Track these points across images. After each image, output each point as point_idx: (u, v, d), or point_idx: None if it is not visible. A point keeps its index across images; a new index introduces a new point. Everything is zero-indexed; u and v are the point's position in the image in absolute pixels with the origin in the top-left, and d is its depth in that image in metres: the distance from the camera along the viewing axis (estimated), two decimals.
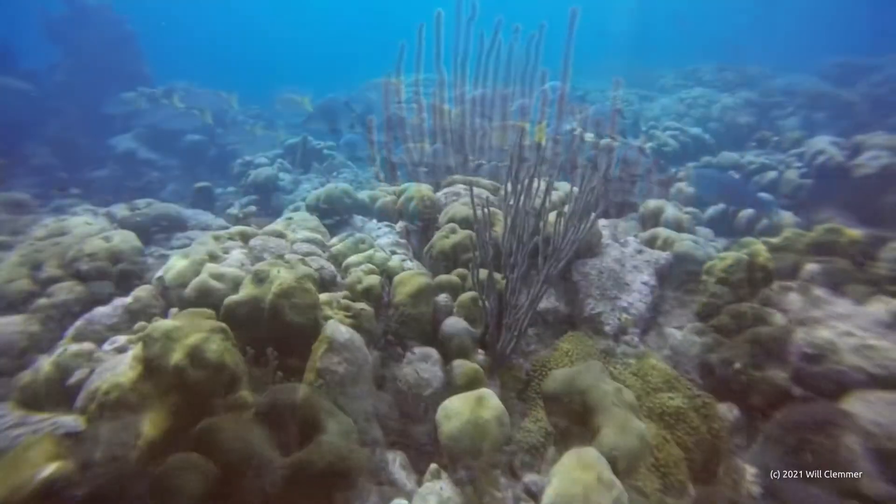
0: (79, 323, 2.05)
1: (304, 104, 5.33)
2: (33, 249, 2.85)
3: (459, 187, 3.23)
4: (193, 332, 1.53)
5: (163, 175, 8.23)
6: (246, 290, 1.84)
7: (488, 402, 1.86)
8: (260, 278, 1.86)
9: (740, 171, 5.05)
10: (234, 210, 3.58)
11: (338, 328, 1.76)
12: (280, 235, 2.44)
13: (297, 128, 7.67)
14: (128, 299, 2.13)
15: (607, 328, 2.65)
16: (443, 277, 2.47)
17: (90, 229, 3.01)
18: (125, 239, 2.89)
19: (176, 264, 2.01)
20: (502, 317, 2.42)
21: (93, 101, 8.68)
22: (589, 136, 6.10)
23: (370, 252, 2.47)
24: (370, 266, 2.35)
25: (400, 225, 3.12)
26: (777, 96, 10.45)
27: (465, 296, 2.39)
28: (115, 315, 2.08)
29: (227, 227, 3.58)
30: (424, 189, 3.12)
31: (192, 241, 3.14)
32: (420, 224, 3.06)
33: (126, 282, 2.90)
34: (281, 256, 2.21)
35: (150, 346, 1.54)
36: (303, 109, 5.84)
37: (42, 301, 2.64)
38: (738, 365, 2.28)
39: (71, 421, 1.76)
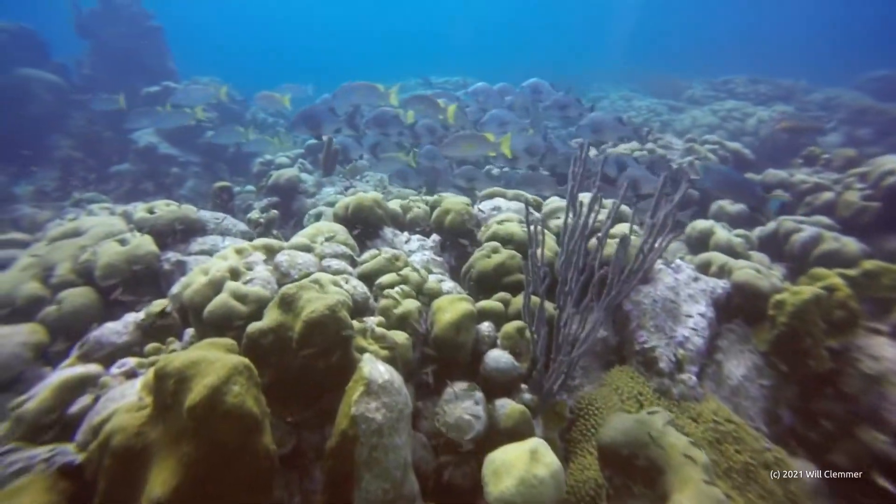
0: (85, 340, 1.85)
1: (284, 103, 5.24)
2: (47, 250, 2.68)
3: (500, 201, 2.99)
4: (212, 370, 1.31)
5: (182, 171, 8.14)
6: (271, 317, 1.62)
7: (544, 456, 1.60)
8: (287, 303, 1.63)
9: (790, 190, 4.72)
10: (254, 214, 3.38)
11: (375, 367, 1.53)
12: (307, 249, 2.22)
13: None
14: (140, 315, 1.93)
15: (662, 364, 2.38)
16: (486, 304, 2.23)
17: (106, 230, 2.83)
18: (141, 243, 2.70)
19: (194, 280, 1.80)
20: (551, 350, 2.16)
21: (115, 94, 8.64)
22: (626, 148, 5.81)
23: (405, 272, 2.24)
24: (406, 288, 2.12)
25: (434, 239, 2.88)
26: (815, 110, 10.02)
27: (511, 326, 2.14)
28: (126, 332, 1.87)
29: (247, 232, 3.39)
30: (462, 201, 2.88)
31: (211, 247, 2.96)
32: (457, 239, 2.82)
33: (140, 287, 2.72)
34: (309, 275, 1.98)
35: (163, 383, 1.32)
36: (282, 108, 5.68)
37: (51, 309, 2.46)
38: (824, 421, 1.99)
39: (70, 453, 1.55)
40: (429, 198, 3.41)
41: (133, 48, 8.66)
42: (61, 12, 8.46)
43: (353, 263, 2.39)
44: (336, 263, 2.16)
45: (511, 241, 2.56)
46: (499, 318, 2.24)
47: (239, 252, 2.00)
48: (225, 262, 1.88)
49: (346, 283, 2.03)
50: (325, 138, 4.84)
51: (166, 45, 9.07)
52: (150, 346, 1.80)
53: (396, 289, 2.11)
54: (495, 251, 2.51)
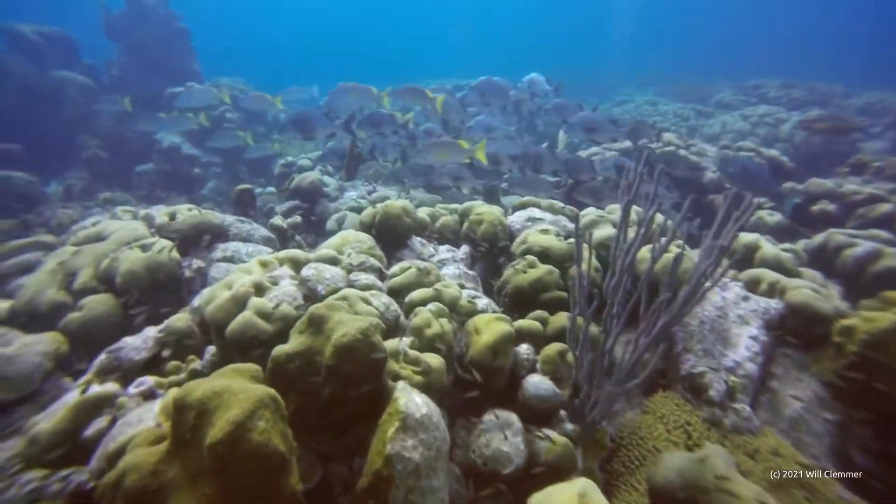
0: (103, 356, 1.76)
1: (276, 104, 5.22)
2: (70, 255, 2.62)
3: (535, 211, 2.82)
4: (236, 402, 1.18)
5: (204, 172, 8.18)
6: (299, 339, 1.49)
7: (593, 501, 1.44)
8: (316, 324, 1.50)
9: (839, 201, 4.43)
10: (277, 220, 3.28)
11: (412, 400, 1.39)
12: (334, 261, 2.10)
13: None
14: (160, 330, 1.83)
15: (712, 392, 2.18)
16: (524, 324, 2.07)
17: (128, 235, 2.76)
18: (162, 250, 2.62)
19: (217, 295, 1.68)
20: (594, 376, 1.99)
21: (142, 96, 8.75)
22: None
23: (438, 287, 2.10)
24: (439, 306, 1.97)
25: (464, 251, 2.74)
26: (855, 116, 9.57)
27: (552, 349, 1.98)
28: (145, 348, 1.77)
29: (269, 237, 3.30)
30: (495, 212, 2.73)
31: (233, 254, 2.86)
32: (488, 252, 2.67)
33: (160, 294, 2.64)
34: (337, 290, 1.86)
35: (182, 415, 1.20)
36: (274, 109, 5.60)
37: (73, 316, 2.39)
38: None
39: (84, 480, 1.45)
40: (457, 206, 3.27)
41: (159, 49, 8.75)
42: (91, 14, 8.60)
43: (382, 276, 2.26)
44: (364, 277, 2.03)
45: (548, 256, 2.40)
46: (537, 339, 2.08)
47: (264, 265, 1.88)
48: (249, 276, 1.77)
49: (376, 299, 1.90)
50: (351, 141, 4.74)
51: (191, 46, 9.14)
52: (170, 364, 1.70)
53: (429, 306, 1.97)
54: (531, 266, 2.35)
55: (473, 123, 3.94)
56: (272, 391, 1.26)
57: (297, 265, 1.96)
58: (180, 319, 1.82)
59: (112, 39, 8.65)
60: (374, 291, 1.96)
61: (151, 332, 1.83)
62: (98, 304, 2.42)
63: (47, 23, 8.38)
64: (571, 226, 2.79)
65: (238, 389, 1.23)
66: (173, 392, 1.50)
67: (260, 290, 1.74)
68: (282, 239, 3.33)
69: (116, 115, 8.37)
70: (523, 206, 2.99)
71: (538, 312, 2.23)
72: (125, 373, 1.73)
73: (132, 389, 1.61)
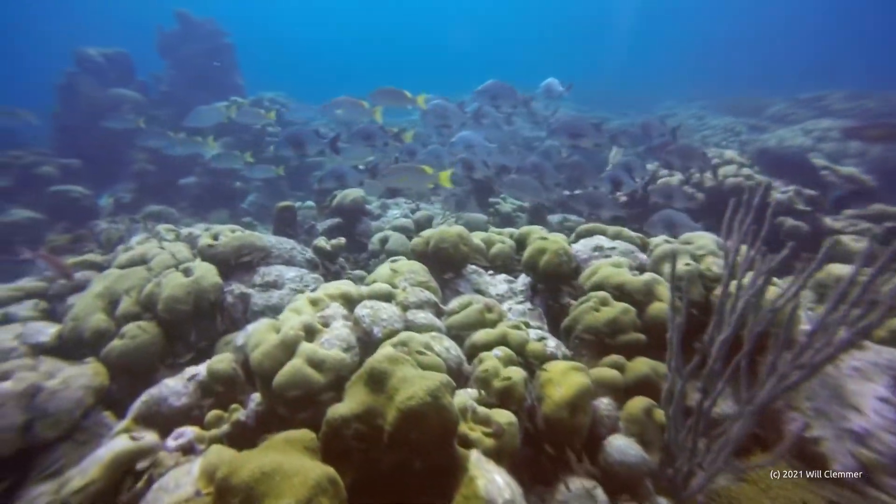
0: (142, 400, 1.60)
1: (269, 117, 5.24)
2: (114, 278, 2.54)
3: (602, 239, 2.55)
4: (289, 489, 0.98)
5: (245, 185, 8.28)
6: (357, 398, 1.28)
7: None
8: (377, 381, 1.29)
9: None
10: (321, 242, 3.14)
11: (492, 481, 1.15)
12: (388, 297, 1.90)
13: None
14: (202, 371, 1.66)
15: (837, 467, 1.83)
16: (601, 373, 1.80)
17: (170, 258, 2.66)
18: (205, 274, 2.50)
19: (263, 340, 1.50)
20: (689, 443, 1.69)
21: (188, 110, 9.02)
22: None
23: (503, 328, 1.86)
24: (507, 352, 1.73)
25: (523, 282, 2.49)
26: None
27: (636, 406, 1.70)
28: (186, 393, 1.61)
29: (312, 259, 3.15)
30: (559, 240, 2.47)
31: (276, 279, 2.72)
32: (551, 284, 2.41)
33: (203, 321, 2.52)
34: (395, 332, 1.65)
35: (226, 500, 1.00)
36: (266, 122, 5.58)
37: (115, 344, 2.28)
38: None
39: None
40: (512, 230, 3.03)
41: (206, 65, 9.00)
42: (147, 34, 8.97)
43: (439, 312, 2.05)
44: (423, 317, 1.82)
45: (623, 292, 2.12)
46: (616, 391, 1.80)
47: (314, 304, 1.70)
48: (298, 316, 1.58)
49: (437, 342, 1.67)
50: (394, 158, 4.61)
51: (235, 60, 9.37)
52: (211, 414, 1.53)
53: (495, 351, 1.73)
54: (604, 303, 2.07)
55: (455, 139, 3.86)
56: (330, 472, 1.05)
57: (349, 302, 1.77)
58: (223, 361, 1.66)
59: (164, 56, 8.97)
60: (434, 333, 1.74)
61: (192, 371, 1.67)
62: (140, 331, 2.31)
63: (113, 43, 8.80)
64: (643, 256, 2.50)
65: (291, 470, 1.02)
66: (215, 452, 1.32)
67: (310, 333, 1.55)
68: (325, 261, 3.17)
69: (160, 130, 8.67)
70: (588, 234, 2.72)
71: (614, 358, 1.95)
72: (165, 419, 1.57)
73: (171, 442, 1.44)
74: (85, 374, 1.97)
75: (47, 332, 2.39)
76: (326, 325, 1.63)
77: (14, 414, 1.78)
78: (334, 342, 1.54)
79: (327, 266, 3.20)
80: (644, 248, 2.59)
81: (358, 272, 3.59)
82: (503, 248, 2.77)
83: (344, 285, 1.83)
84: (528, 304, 2.20)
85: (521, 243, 2.89)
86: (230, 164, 5.93)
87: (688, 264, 2.28)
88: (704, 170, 4.84)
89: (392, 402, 1.25)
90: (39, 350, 2.33)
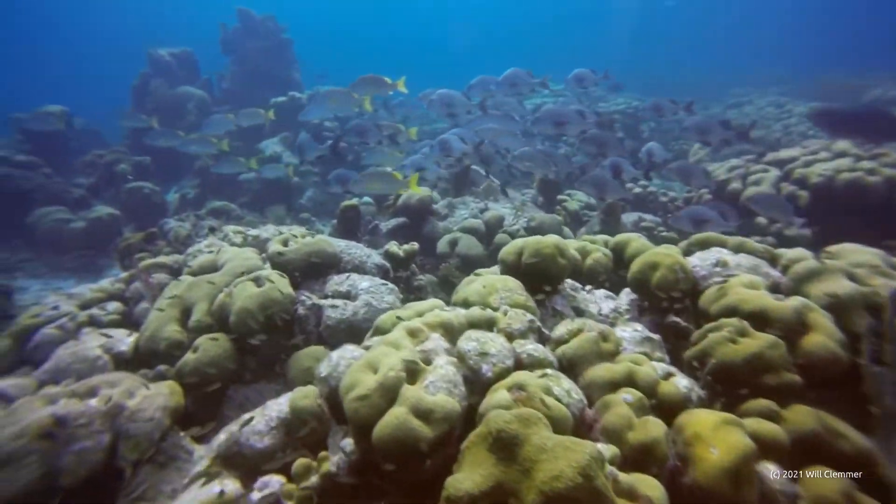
0: (223, 438, 1.44)
1: (269, 117, 5.21)
2: (186, 286, 2.46)
3: (724, 254, 2.16)
4: None
5: (302, 180, 8.32)
6: (482, 470, 1.03)
7: None
8: (506, 448, 1.03)
9: None
10: (393, 248, 2.93)
11: None
12: (489, 323, 1.63)
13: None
14: (285, 409, 1.48)
15: None
16: (760, 428, 1.45)
17: (241, 265, 2.55)
18: (277, 285, 2.36)
19: (359, 381, 1.28)
20: None
21: (248, 106, 9.20)
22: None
23: (625, 363, 1.55)
24: (638, 396, 1.43)
25: (628, 299, 2.16)
26: None
27: (831, 487, 1.33)
28: (268, 433, 1.43)
29: (382, 265, 2.95)
30: (673, 253, 2.11)
31: (348, 289, 2.54)
32: (664, 304, 2.06)
33: (273, 335, 2.38)
34: (507, 371, 1.39)
35: None
36: (266, 122, 5.53)
37: (188, 359, 2.18)
38: None
39: None
40: (606, 237, 2.68)
41: (264, 61, 9.11)
42: (211, 33, 9.21)
43: (542, 339, 1.76)
44: (532, 349, 1.54)
45: (766, 321, 1.74)
46: (778, 452, 1.44)
47: (413, 335, 1.46)
48: (397, 353, 1.35)
49: (555, 383, 1.39)
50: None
51: (294, 56, 9.42)
52: (299, 464, 1.33)
53: (624, 395, 1.43)
54: (742, 334, 1.70)
55: (436, 142, 3.81)
56: None
57: (450, 332, 1.52)
58: (307, 396, 1.47)
59: (226, 53, 9.15)
60: (548, 371, 1.46)
61: (275, 409, 1.49)
62: (212, 345, 2.20)
63: (182, 42, 9.10)
64: (775, 273, 2.08)
65: None
66: None
67: (412, 373, 1.32)
68: (397, 267, 2.97)
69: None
70: (703, 245, 2.32)
71: (764, 404, 1.59)
72: (246, 461, 1.41)
73: (256, 495, 1.27)
74: (162, 394, 1.87)
75: (127, 341, 2.34)
76: (428, 361, 1.39)
77: (102, 433, 1.69)
78: (440, 385, 1.29)
79: (399, 272, 3.00)
80: (774, 261, 2.17)
81: (427, 276, 3.37)
82: (600, 260, 2.43)
83: (445, 315, 1.58)
84: (642, 329, 1.87)
85: (617, 253, 2.55)
86: (232, 169, 5.99)
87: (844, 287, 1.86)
88: (707, 187, 4.38)
89: (531, 480, 0.99)
90: (120, 360, 2.28)
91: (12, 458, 1.57)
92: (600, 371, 1.54)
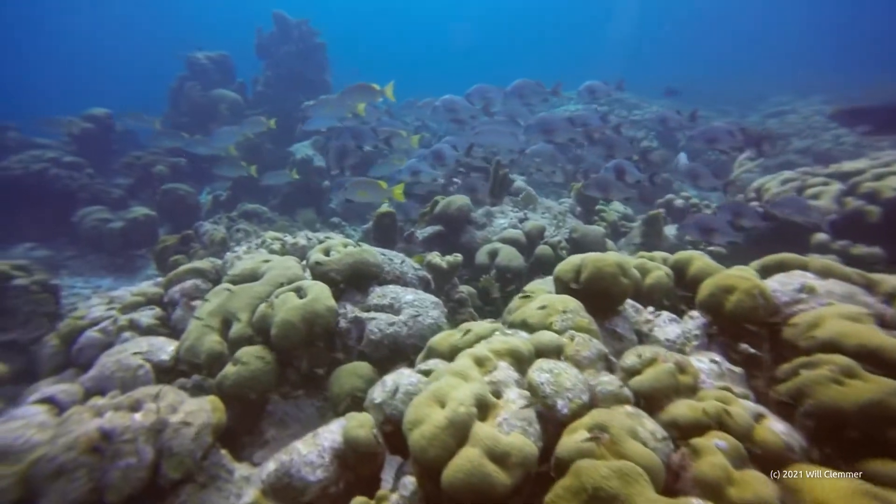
0: (272, 469, 1.35)
1: (270, 125, 5.29)
2: (226, 296, 2.40)
3: (809, 278, 1.96)
4: None
5: (332, 184, 8.33)
6: None
7: None
8: (597, 497, 0.89)
9: None
10: (436, 259, 2.82)
11: None
12: (557, 351, 1.50)
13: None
14: (338, 438, 1.38)
15: None
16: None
17: (282, 275, 2.48)
18: (318, 296, 2.27)
19: (425, 416, 1.17)
20: None
21: (281, 109, 9.29)
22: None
23: (713, 403, 1.39)
24: (734, 444, 1.26)
25: (698, 324, 1.98)
26: None
27: None
28: (322, 464, 1.33)
29: (423, 277, 2.84)
30: (749, 275, 1.93)
31: (392, 301, 2.44)
32: (739, 332, 1.88)
33: (313, 349, 2.30)
34: (583, 407, 1.25)
35: None
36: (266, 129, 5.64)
37: (229, 372, 2.11)
38: None
39: None
40: (664, 254, 2.51)
41: (298, 64, 9.20)
42: (246, 37, 9.36)
43: (610, 367, 1.62)
44: (608, 381, 1.40)
45: (880, 361, 1.54)
46: None
47: (480, 364, 1.34)
48: (466, 385, 1.23)
49: (639, 423, 1.25)
50: (496, 162, 4.24)
51: (326, 59, 9.49)
52: (356, 502, 1.22)
53: (717, 441, 1.27)
54: (850, 374, 1.51)
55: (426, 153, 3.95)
56: None
57: (519, 361, 1.39)
58: (363, 426, 1.36)
59: (261, 57, 9.28)
60: (629, 409, 1.31)
61: (328, 439, 1.39)
62: (253, 358, 2.13)
63: (220, 47, 9.30)
64: (877, 303, 1.87)
65: None
66: None
67: (483, 408, 1.19)
68: (439, 279, 2.86)
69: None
70: (780, 266, 2.12)
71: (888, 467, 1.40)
72: (297, 494, 1.30)
73: None
74: (205, 410, 1.79)
75: (168, 349, 2.29)
76: (498, 394, 1.26)
77: (146, 450, 1.63)
78: (514, 423, 1.16)
79: (440, 285, 2.89)
80: (870, 288, 1.96)
81: (466, 287, 3.25)
82: (661, 279, 2.26)
83: (512, 341, 1.45)
84: (721, 361, 1.69)
85: (678, 271, 2.37)
86: (232, 172, 6.07)
87: None
88: (717, 188, 4.26)
89: None
90: (160, 369, 2.23)
91: (63, 470, 1.52)
92: (683, 409, 1.39)
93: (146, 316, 2.80)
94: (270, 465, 1.36)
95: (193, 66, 8.97)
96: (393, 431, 1.42)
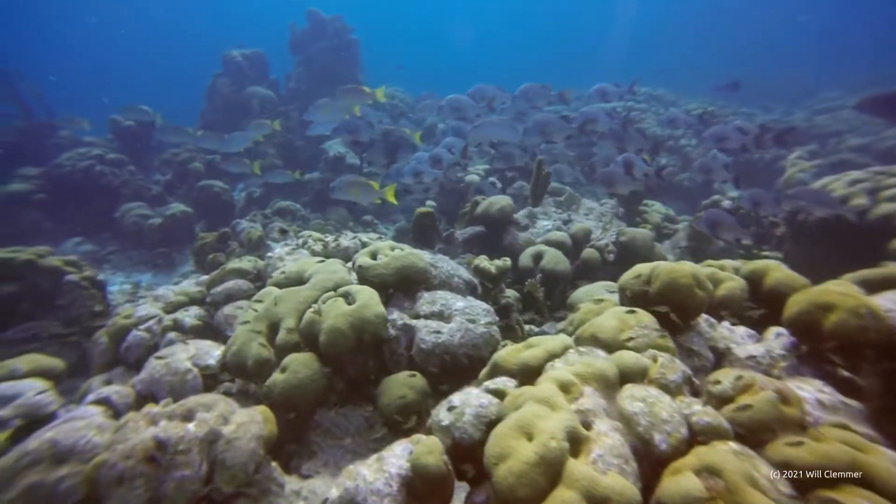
0: (337, 496, 1.25)
1: (274, 126, 5.39)
2: (272, 300, 2.34)
3: None
4: None
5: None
6: None
7: None
8: None
9: None
10: (484, 263, 2.70)
11: None
12: (642, 373, 1.35)
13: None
14: (405, 465, 1.27)
15: None
16: None
17: (329, 280, 2.40)
18: (367, 303, 2.18)
19: (511, 450, 1.05)
20: None
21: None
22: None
23: (841, 447, 1.22)
24: (877, 501, 1.10)
25: (784, 343, 1.79)
26: None
27: None
28: (390, 494, 1.23)
29: (470, 281, 2.72)
30: (853, 292, 1.73)
31: (441, 308, 2.33)
32: (836, 353, 1.68)
33: (360, 357, 2.21)
34: (682, 441, 1.10)
35: None
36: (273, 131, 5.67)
37: (277, 380, 2.05)
38: None
39: None
40: (737, 264, 2.32)
41: (329, 60, 9.19)
42: (280, 34, 9.41)
43: (695, 391, 1.46)
44: (702, 412, 1.25)
45: None
46: None
47: (565, 389, 1.21)
48: (555, 415, 1.10)
49: (751, 465, 1.10)
50: (538, 160, 4.08)
51: (358, 55, 9.45)
52: None
53: (857, 497, 1.10)
54: None
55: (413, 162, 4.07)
56: None
57: (606, 386, 1.26)
58: (432, 452, 1.25)
59: (294, 54, 9.32)
60: (734, 446, 1.16)
61: (394, 466, 1.28)
62: (301, 366, 2.06)
63: (254, 44, 9.39)
64: None
65: None
66: None
67: (575, 442, 1.06)
68: (487, 284, 2.73)
69: (288, 126, 9.05)
70: (885, 281, 1.91)
71: None
72: None
73: None
74: (256, 421, 1.73)
75: (214, 354, 2.25)
76: (588, 425, 1.13)
77: (199, 461, 1.57)
78: (610, 460, 1.03)
79: (488, 289, 2.76)
80: None
81: (510, 291, 3.11)
82: (735, 291, 2.08)
83: (597, 361, 1.31)
84: (832, 392, 1.51)
85: (753, 282, 2.18)
86: (237, 169, 6.14)
87: None
88: (727, 180, 4.28)
89: None
90: (207, 374, 2.19)
91: (124, 478, 1.49)
92: (804, 454, 1.21)
93: (189, 316, 2.79)
94: (334, 492, 1.26)
95: (228, 63, 9.08)
96: (461, 455, 1.31)
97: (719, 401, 1.42)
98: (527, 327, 2.86)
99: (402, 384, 2.05)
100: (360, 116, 4.58)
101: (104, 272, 5.59)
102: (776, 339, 1.88)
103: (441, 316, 2.29)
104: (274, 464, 1.79)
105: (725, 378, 1.46)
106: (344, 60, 9.39)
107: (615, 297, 2.12)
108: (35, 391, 1.99)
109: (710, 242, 4.70)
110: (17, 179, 6.63)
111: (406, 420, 1.98)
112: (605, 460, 1.04)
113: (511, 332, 2.61)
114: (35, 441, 1.59)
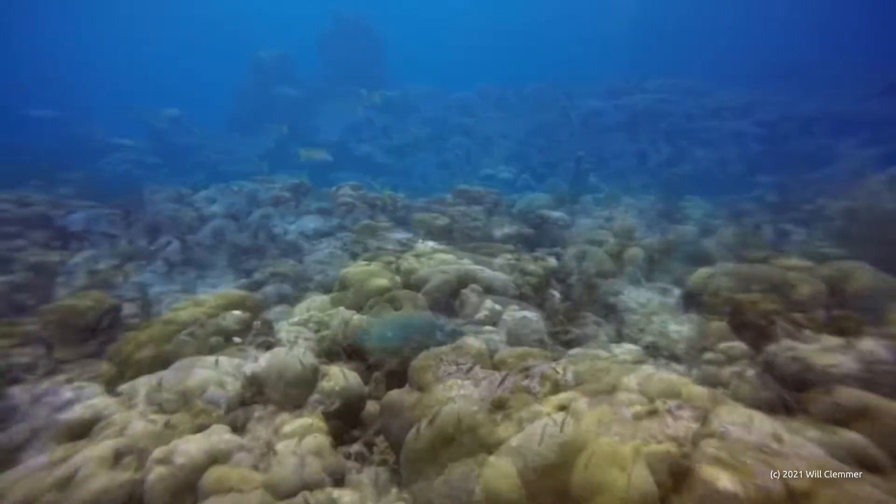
0: None
1: (283, 131, 5.59)
2: (319, 308, 2.29)
3: None
4: None
5: (390, 180, 8.28)
6: None
7: None
8: None
9: None
10: (531, 265, 2.59)
11: None
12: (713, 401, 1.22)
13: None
14: (477, 488, 1.18)
15: None
16: None
17: (373, 285, 2.34)
18: (415, 308, 2.11)
19: (606, 483, 0.95)
20: None
21: (338, 100, 9.33)
22: None
23: None
24: None
25: (888, 353, 1.63)
26: None
27: None
28: None
29: (517, 286, 2.62)
30: None
31: (491, 314, 2.24)
32: None
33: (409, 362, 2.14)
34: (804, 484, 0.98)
35: None
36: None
37: (325, 385, 2.00)
38: None
39: None
40: (811, 264, 2.14)
41: (353, 58, 9.18)
42: (307, 35, 9.46)
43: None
44: (800, 442, 1.12)
45: None
46: None
47: (652, 412, 1.10)
48: (647, 448, 0.99)
49: None
50: (577, 157, 3.95)
51: (383, 54, 9.41)
52: None
53: None
54: None
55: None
56: None
57: (697, 409, 1.14)
58: (507, 476, 1.15)
59: (321, 53, 9.35)
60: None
61: (462, 488, 1.20)
62: (342, 378, 2.00)
63: (281, 44, 9.48)
64: None
65: None
66: None
67: (679, 477, 0.95)
68: (532, 285, 2.63)
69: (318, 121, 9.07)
70: None
71: None
72: None
73: None
74: (314, 440, 1.67)
75: (261, 364, 2.22)
76: (686, 455, 1.02)
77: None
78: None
79: (532, 291, 2.66)
80: None
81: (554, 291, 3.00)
82: (814, 295, 1.91)
83: (672, 377, 1.20)
84: None
85: (833, 284, 2.01)
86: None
87: None
88: None
89: None
90: (251, 381, 2.16)
91: None
92: None
93: (232, 320, 2.77)
94: None
95: (257, 64, 9.18)
96: (532, 480, 1.22)
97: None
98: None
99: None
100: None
101: (143, 273, 5.70)
102: (883, 349, 1.71)
103: (488, 321, 2.19)
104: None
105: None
106: (367, 59, 9.37)
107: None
108: None
109: (759, 237, 4.46)
110: None
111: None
112: None
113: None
114: None
